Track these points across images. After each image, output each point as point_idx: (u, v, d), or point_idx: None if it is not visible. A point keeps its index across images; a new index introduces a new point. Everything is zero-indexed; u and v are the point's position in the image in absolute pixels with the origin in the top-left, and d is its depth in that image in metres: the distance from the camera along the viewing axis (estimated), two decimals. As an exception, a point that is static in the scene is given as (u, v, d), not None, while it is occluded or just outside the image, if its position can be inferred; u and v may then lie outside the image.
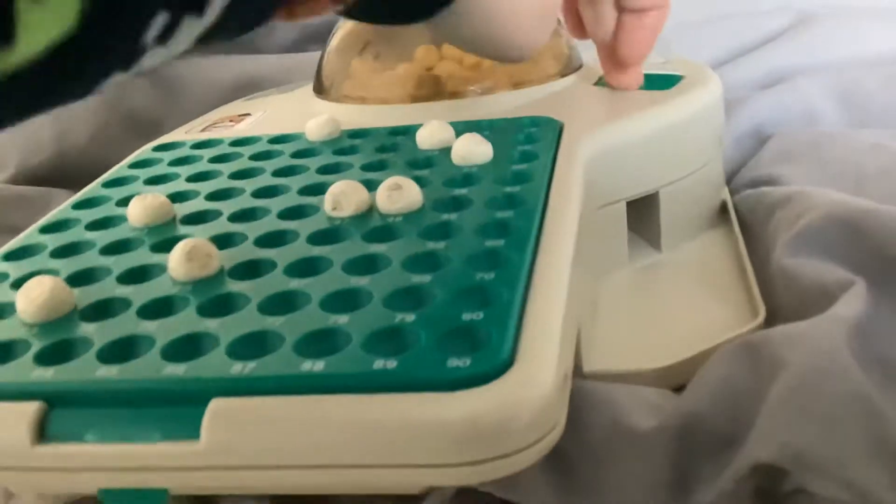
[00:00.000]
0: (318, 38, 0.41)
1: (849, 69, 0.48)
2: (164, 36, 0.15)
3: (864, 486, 0.20)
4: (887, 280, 0.27)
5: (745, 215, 0.36)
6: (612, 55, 0.35)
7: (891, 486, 0.20)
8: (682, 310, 0.31)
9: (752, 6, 0.59)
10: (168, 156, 0.34)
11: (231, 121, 0.39)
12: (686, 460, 0.23)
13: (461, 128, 0.31)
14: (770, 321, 0.29)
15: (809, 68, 0.50)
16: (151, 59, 0.16)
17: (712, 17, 0.58)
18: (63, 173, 0.49)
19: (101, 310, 0.22)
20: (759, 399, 0.23)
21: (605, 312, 0.30)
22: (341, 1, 0.24)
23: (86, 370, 0.20)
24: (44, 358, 0.21)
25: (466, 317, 0.20)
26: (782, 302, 0.29)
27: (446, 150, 0.30)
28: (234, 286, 0.23)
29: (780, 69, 0.51)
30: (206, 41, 0.17)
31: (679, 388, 0.26)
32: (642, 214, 0.34)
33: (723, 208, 0.38)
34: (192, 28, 0.16)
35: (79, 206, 0.30)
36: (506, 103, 0.36)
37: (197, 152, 0.34)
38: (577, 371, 0.26)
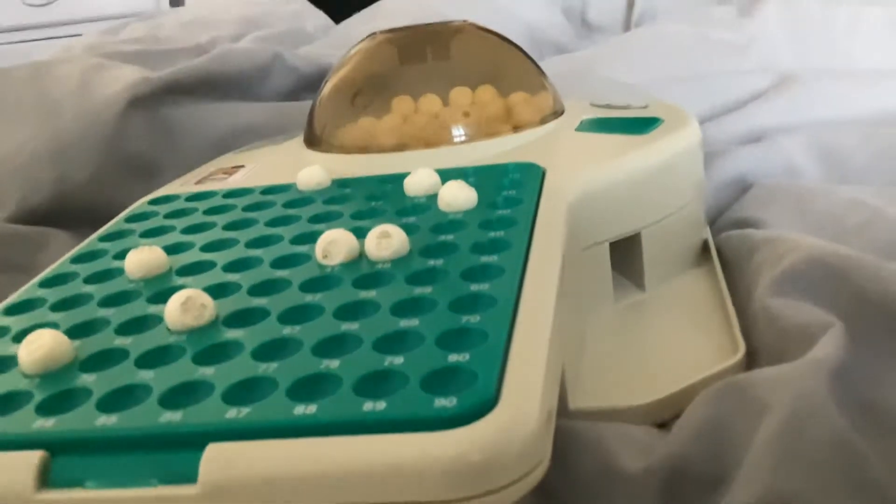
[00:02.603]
0: (314, 87, 0.43)
1: (828, 129, 0.50)
2: None
3: None
4: (865, 325, 0.28)
5: (726, 255, 0.37)
6: None
7: None
8: (665, 347, 0.32)
9: (734, 66, 0.61)
10: (163, 209, 0.35)
11: (224, 173, 0.40)
12: (673, 502, 0.23)
13: (447, 175, 0.33)
14: (751, 358, 0.29)
15: (790, 127, 0.51)
16: None
17: (695, 76, 0.59)
18: (62, 214, 0.50)
19: (100, 360, 0.23)
20: (743, 441, 0.23)
21: (590, 350, 0.31)
22: None
23: (86, 419, 0.21)
24: (45, 408, 0.21)
25: (452, 358, 0.21)
26: (763, 340, 0.30)
27: (433, 197, 0.31)
28: (229, 334, 0.24)
29: (762, 127, 0.52)
30: None
31: (663, 424, 0.27)
32: (626, 255, 0.35)
33: (705, 248, 0.39)
34: None
35: (77, 260, 0.31)
36: (491, 150, 0.37)
37: (191, 205, 0.35)
38: (563, 409, 0.27)
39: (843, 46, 0.63)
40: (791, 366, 0.25)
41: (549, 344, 0.22)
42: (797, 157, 0.47)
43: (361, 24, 0.86)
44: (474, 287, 0.24)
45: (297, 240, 0.30)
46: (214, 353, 0.23)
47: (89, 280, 0.29)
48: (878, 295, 0.28)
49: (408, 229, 0.28)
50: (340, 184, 0.35)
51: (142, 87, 0.51)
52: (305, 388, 0.21)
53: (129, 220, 0.35)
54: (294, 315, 0.24)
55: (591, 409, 0.27)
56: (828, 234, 0.36)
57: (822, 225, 0.37)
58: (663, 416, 0.27)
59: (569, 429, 0.25)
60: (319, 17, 0.98)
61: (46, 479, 0.20)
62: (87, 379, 0.22)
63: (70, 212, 0.49)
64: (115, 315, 0.26)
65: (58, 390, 0.22)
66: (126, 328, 0.25)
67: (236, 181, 0.38)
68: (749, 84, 0.58)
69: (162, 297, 0.26)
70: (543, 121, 0.39)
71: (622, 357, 0.31)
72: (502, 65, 0.43)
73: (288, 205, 0.34)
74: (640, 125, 0.38)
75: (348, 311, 0.24)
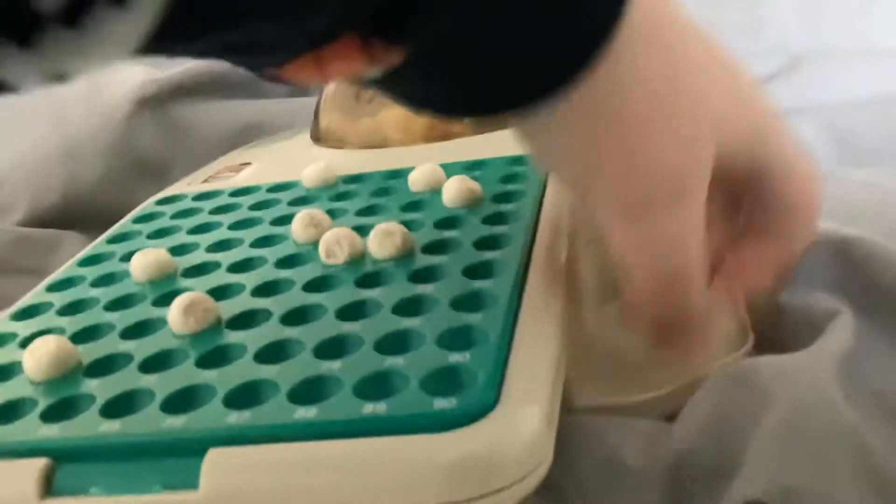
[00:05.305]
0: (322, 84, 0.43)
1: (841, 110, 0.49)
2: (69, 14, 0.13)
3: None
4: (875, 310, 0.27)
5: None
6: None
7: None
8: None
9: (744, 48, 0.60)
10: (170, 209, 0.35)
11: (231, 171, 0.40)
12: (678, 494, 0.23)
13: (452, 169, 0.32)
14: (759, 348, 0.29)
15: (802, 109, 0.50)
16: (57, 42, 0.13)
17: None
18: (72, 216, 0.50)
19: (104, 365, 0.23)
20: (748, 433, 0.23)
21: (596, 344, 0.31)
22: (376, 59, 0.18)
23: (89, 426, 0.21)
24: (49, 415, 0.21)
25: (453, 358, 0.21)
26: (772, 329, 0.29)
27: (438, 192, 0.31)
28: (231, 337, 0.24)
29: None
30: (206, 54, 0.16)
31: (671, 417, 0.27)
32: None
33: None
34: (112, 20, 0.13)
35: (84, 262, 0.31)
36: (498, 142, 0.36)
37: (198, 204, 0.35)
38: (569, 405, 0.27)
39: (858, 26, 0.62)
40: (797, 355, 0.25)
41: (551, 342, 0.22)
42: (809, 140, 0.46)
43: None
44: (477, 284, 0.24)
45: (302, 238, 0.30)
46: (217, 356, 0.23)
47: (96, 283, 0.29)
48: (888, 280, 0.28)
49: (411, 226, 0.28)
50: (345, 180, 0.35)
51: (149, 88, 0.51)
52: (306, 390, 0.21)
53: (137, 220, 0.35)
54: (296, 316, 0.24)
55: (596, 405, 0.27)
56: (838, 217, 0.35)
57: (833, 209, 0.37)
58: (672, 409, 0.27)
59: (572, 423, 0.25)
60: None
61: (50, 486, 0.20)
62: (91, 384, 0.22)
63: (81, 213, 0.49)
64: (121, 319, 0.26)
65: (62, 397, 0.22)
66: (131, 332, 0.25)
67: (243, 179, 0.38)
68: (760, 66, 0.57)
69: (167, 299, 0.26)
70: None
71: (628, 350, 0.31)
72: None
73: (293, 202, 0.34)
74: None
75: (350, 311, 0.24)
